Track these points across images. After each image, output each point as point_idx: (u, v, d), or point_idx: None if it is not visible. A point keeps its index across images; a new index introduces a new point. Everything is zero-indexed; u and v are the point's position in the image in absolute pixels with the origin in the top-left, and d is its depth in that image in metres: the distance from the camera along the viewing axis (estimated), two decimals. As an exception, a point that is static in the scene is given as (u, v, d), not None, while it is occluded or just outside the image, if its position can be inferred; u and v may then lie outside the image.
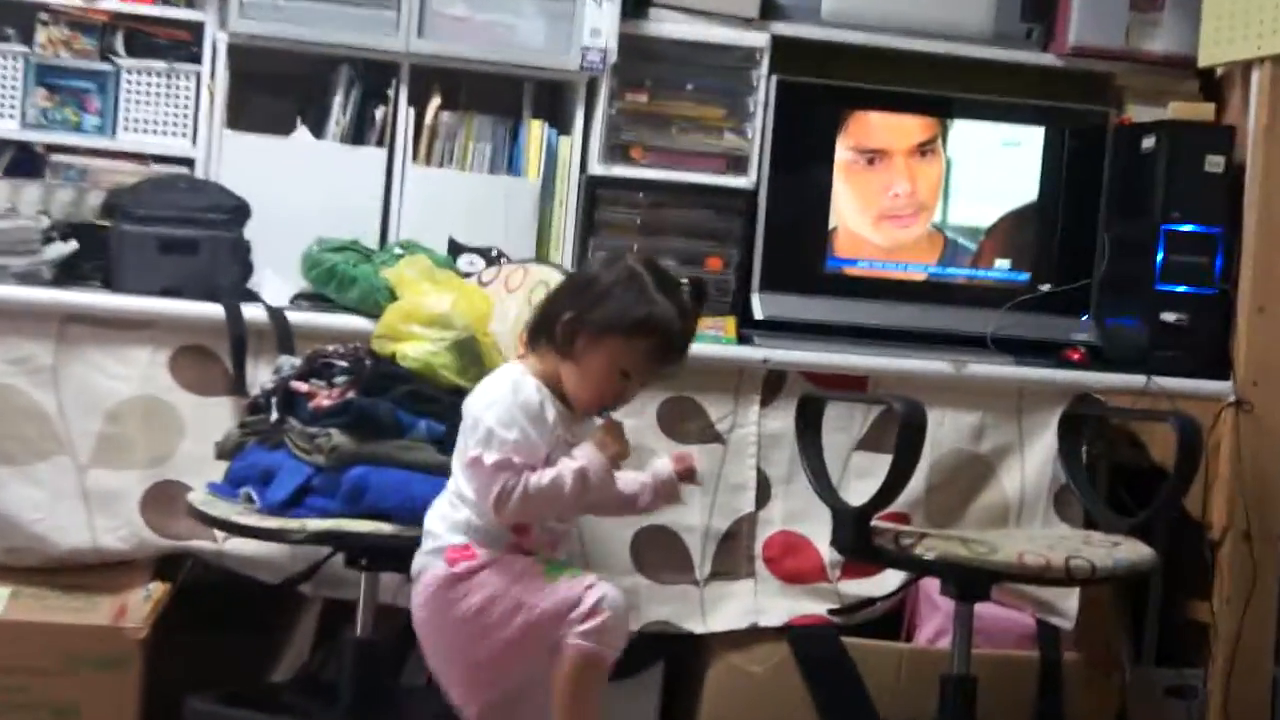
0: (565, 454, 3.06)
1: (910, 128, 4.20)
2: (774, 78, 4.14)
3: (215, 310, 3.70)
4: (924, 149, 4.20)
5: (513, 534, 3.09)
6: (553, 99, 4.22)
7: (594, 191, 4.12)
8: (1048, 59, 4.38)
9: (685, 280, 3.18)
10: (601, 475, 3.05)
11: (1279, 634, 3.99)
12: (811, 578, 3.90)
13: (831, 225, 4.17)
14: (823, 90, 4.19)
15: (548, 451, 3.07)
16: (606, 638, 3.02)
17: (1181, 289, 4.10)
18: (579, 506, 3.12)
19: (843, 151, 4.16)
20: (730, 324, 3.97)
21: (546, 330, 3.11)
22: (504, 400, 3.06)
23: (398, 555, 3.32)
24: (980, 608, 3.58)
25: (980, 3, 4.31)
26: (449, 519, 3.11)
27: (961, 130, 4.23)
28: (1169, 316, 4.08)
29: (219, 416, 3.67)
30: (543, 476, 3.02)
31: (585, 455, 3.05)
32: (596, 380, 3.08)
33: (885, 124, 4.20)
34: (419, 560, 3.14)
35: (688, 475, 3.24)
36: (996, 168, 4.26)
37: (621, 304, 3.07)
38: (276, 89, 4.13)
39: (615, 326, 3.06)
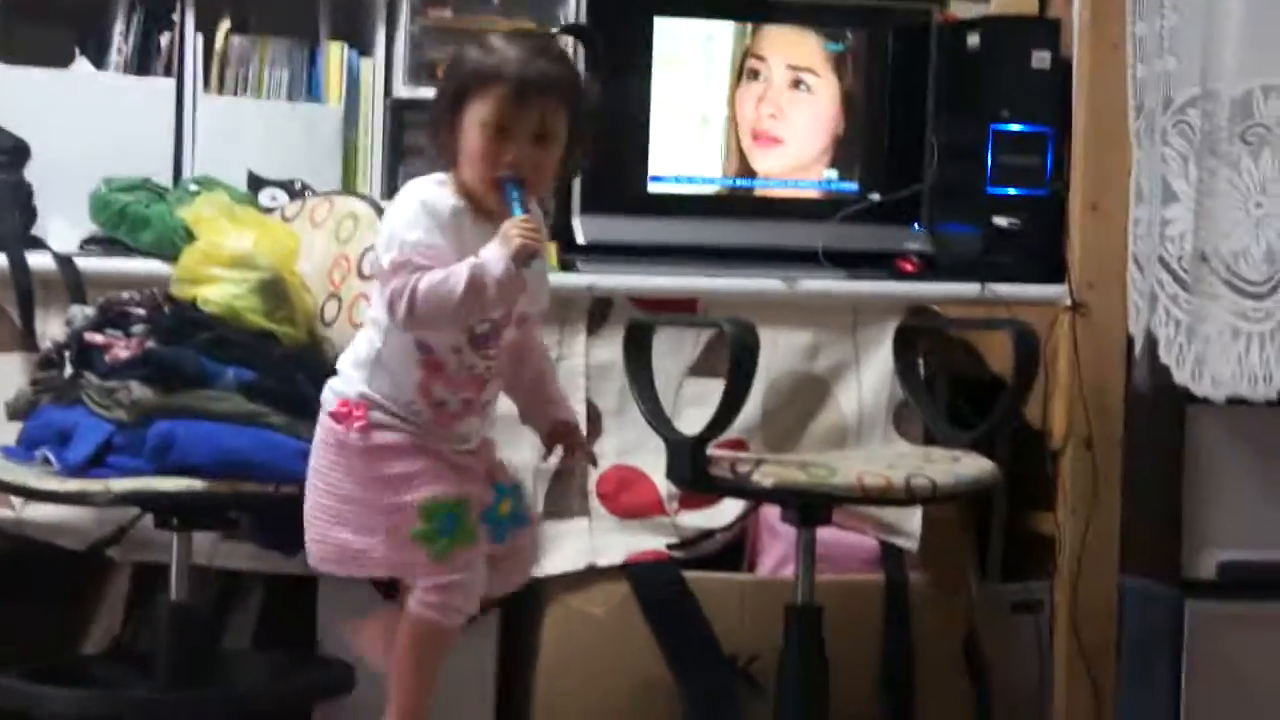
0: None
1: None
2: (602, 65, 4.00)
3: (-3, 260, 3.52)
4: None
5: (419, 396, 2.94)
6: (352, 18, 4.06)
7: (400, 115, 3.99)
8: (867, -44, 4.28)
9: (556, 29, 3.06)
10: (500, 274, 2.84)
11: (1123, 542, 3.98)
12: (648, 512, 3.82)
13: (651, 142, 4.04)
14: (633, -1, 4.06)
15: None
16: (451, 608, 2.94)
17: (1013, 191, 4.04)
18: (478, 308, 2.90)
19: (660, 64, 4.03)
20: (551, 250, 3.84)
21: (432, 139, 2.99)
22: (411, 204, 2.91)
23: (210, 512, 3.28)
24: (823, 532, 3.54)
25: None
26: (354, 351, 3.02)
27: (779, 36, 4.12)
28: (1002, 221, 4.03)
29: (8, 374, 3.50)
30: (435, 274, 2.85)
31: (485, 252, 2.86)
32: (474, 151, 2.90)
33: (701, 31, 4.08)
34: (325, 390, 3.05)
35: (523, 254, 2.91)
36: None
37: (463, 66, 2.93)
38: (51, 17, 3.93)
39: (463, 88, 2.91)
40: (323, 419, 3.04)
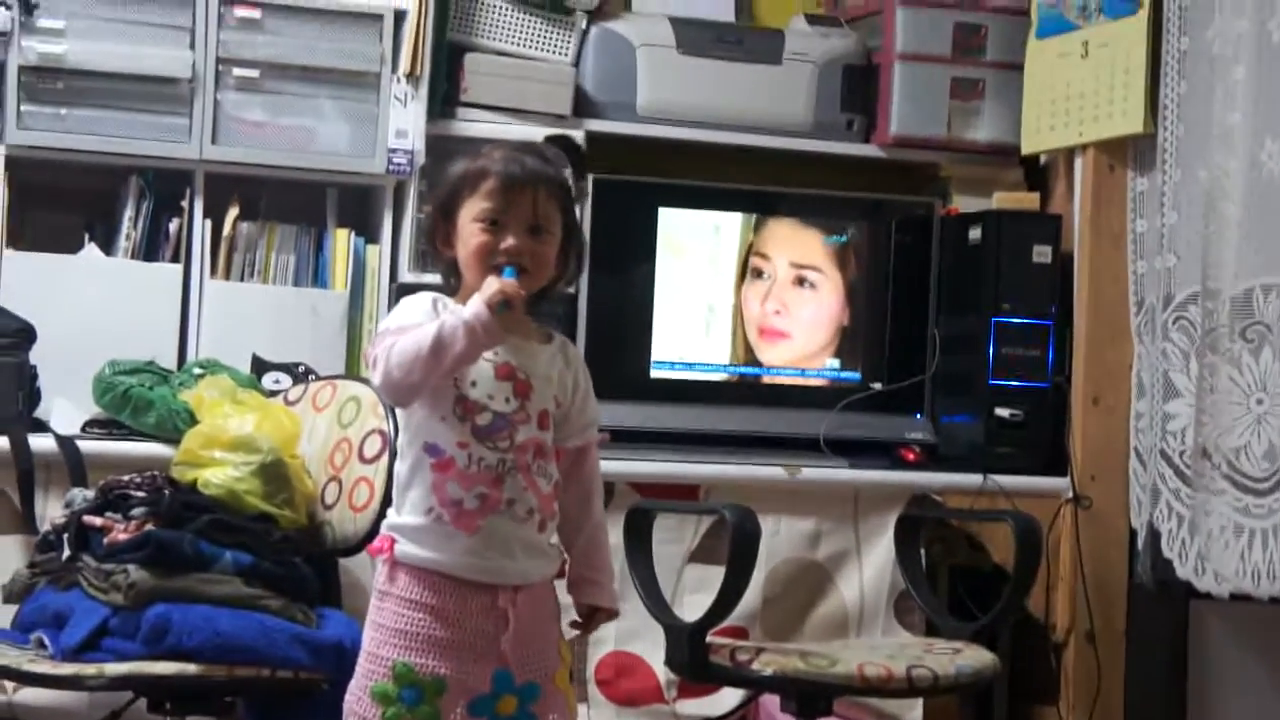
0: (493, 361, 2.83)
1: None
2: (590, 176, 4.03)
3: (-1, 442, 3.52)
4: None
5: (435, 498, 2.80)
6: (359, 205, 4.10)
7: (405, 300, 3.98)
8: (870, 150, 4.34)
9: (544, 139, 3.00)
10: (469, 315, 2.73)
11: (1127, 736, 3.95)
12: (647, 699, 3.81)
13: (654, 327, 4.07)
14: (640, 188, 4.12)
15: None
16: None
17: (1015, 383, 4.06)
18: (449, 352, 2.76)
19: (665, 253, 4.08)
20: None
21: (431, 254, 2.95)
22: (394, 311, 2.88)
23: (205, 696, 3.21)
24: (823, 723, 3.50)
25: (799, 94, 4.27)
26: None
27: (782, 234, 4.17)
28: (1004, 412, 4.04)
29: (6, 556, 3.49)
30: (410, 336, 2.76)
31: (469, 303, 2.78)
32: (472, 249, 2.82)
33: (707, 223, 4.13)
34: None
35: (498, 298, 2.81)
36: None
37: (452, 175, 2.89)
38: (61, 203, 3.97)
39: (454, 193, 2.86)
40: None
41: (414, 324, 2.79)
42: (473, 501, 2.81)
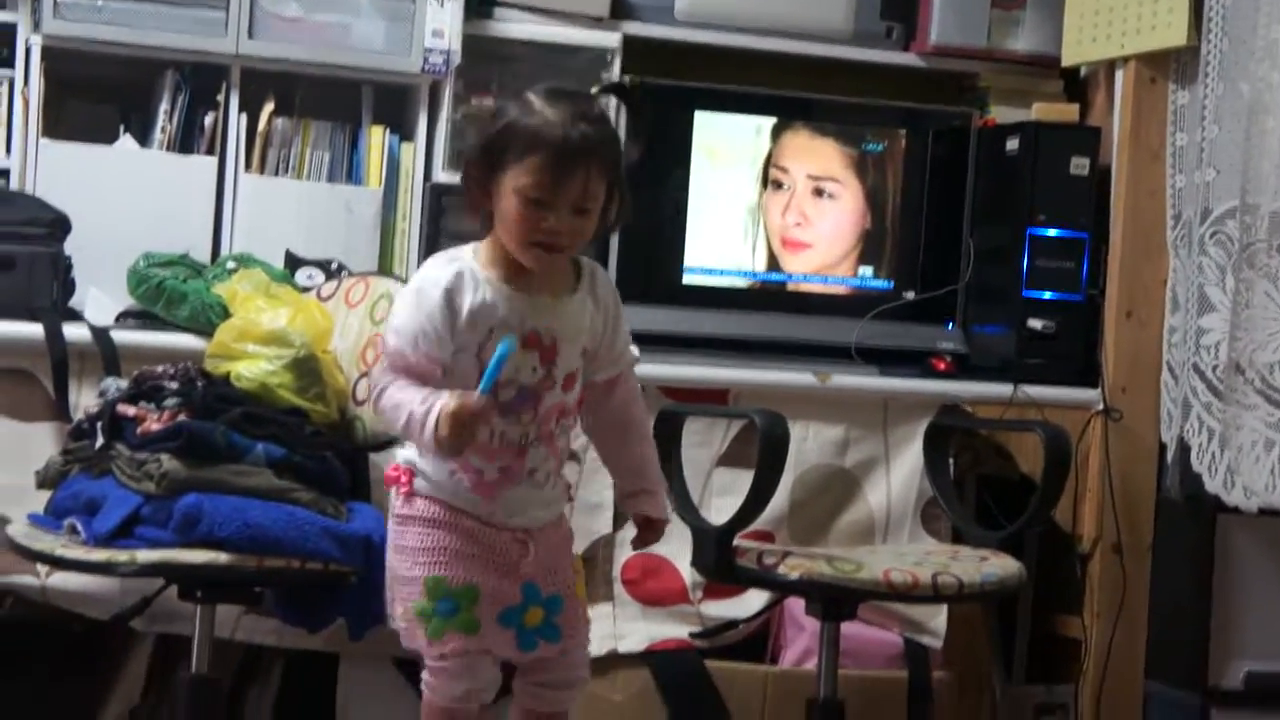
0: (518, 331, 2.78)
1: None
2: (626, 79, 4.02)
3: (34, 330, 3.53)
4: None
5: (457, 463, 2.82)
6: (394, 104, 4.09)
7: (439, 200, 3.99)
8: (909, 59, 4.32)
9: (597, 88, 2.92)
10: (428, 440, 2.72)
11: (1149, 648, 3.97)
12: (672, 600, 3.82)
13: (688, 233, 4.06)
14: (675, 92, 4.08)
15: (479, 339, 2.79)
16: (442, 691, 2.90)
17: (1048, 295, 4.05)
18: (419, 444, 2.81)
19: (699, 158, 4.06)
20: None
21: (466, 194, 2.84)
22: (409, 291, 2.83)
23: (234, 586, 3.24)
24: (847, 627, 3.52)
25: (839, 1, 4.23)
26: None
27: (799, 146, 4.14)
28: (1036, 324, 4.03)
29: (40, 443, 3.51)
30: (395, 392, 2.78)
31: (434, 404, 2.73)
32: (512, 223, 2.76)
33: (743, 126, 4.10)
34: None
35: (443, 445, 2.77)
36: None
37: (504, 132, 2.76)
38: (97, 95, 3.96)
39: (502, 156, 2.75)
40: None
41: (410, 332, 2.77)
42: (494, 473, 2.85)
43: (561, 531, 2.99)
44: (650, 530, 3.04)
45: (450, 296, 2.80)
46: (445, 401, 2.72)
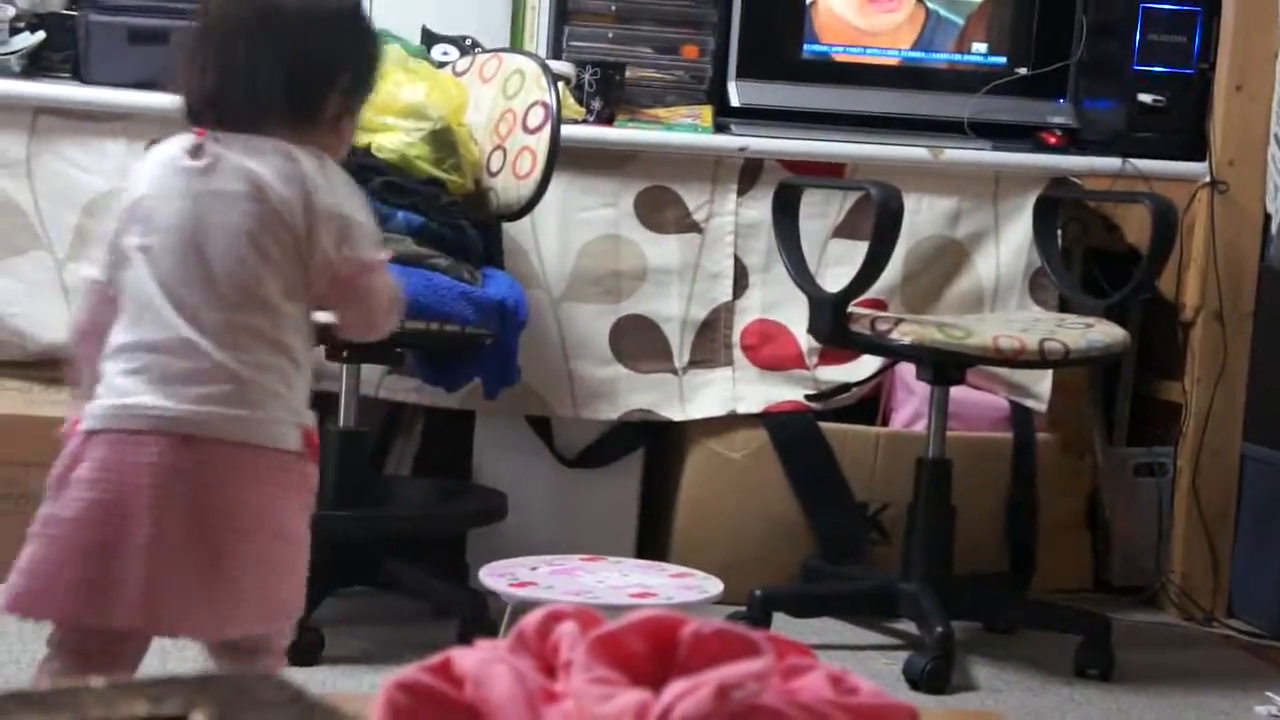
0: None
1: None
2: None
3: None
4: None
5: None
6: (526, -119, 4.12)
7: (568, -23, 4.04)
8: None
9: None
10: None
11: (1247, 412, 4.03)
12: (789, 364, 3.92)
13: (809, 7, 4.11)
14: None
15: None
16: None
17: (1159, 69, 4.07)
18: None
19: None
20: (706, 113, 3.95)
21: (298, 99, 2.33)
22: (355, 188, 2.40)
23: (376, 347, 3.24)
24: (955, 391, 3.62)
25: None
26: (282, 377, 2.33)
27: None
28: (1146, 98, 4.05)
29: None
30: (393, 277, 2.50)
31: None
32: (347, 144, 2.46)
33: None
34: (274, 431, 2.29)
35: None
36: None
37: (358, 48, 2.42)
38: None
39: (365, 83, 2.43)
40: (289, 463, 2.30)
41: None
42: None
43: None
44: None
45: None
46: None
